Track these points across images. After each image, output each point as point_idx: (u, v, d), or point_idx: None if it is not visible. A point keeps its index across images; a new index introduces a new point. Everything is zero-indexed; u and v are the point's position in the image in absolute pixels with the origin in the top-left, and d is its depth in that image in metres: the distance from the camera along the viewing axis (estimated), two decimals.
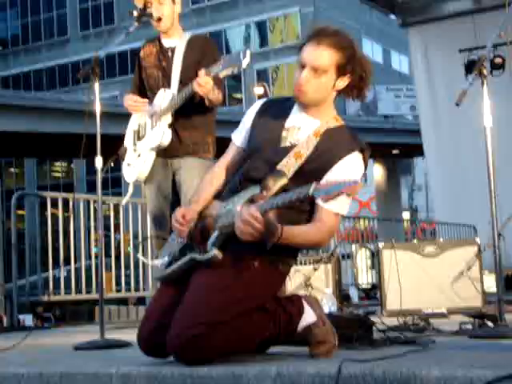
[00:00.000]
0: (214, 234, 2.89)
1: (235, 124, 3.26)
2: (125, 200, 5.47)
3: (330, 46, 2.87)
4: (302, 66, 2.92)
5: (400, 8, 11.19)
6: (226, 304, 2.79)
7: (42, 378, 3.02)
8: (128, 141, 4.73)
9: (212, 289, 2.83)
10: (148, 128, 4.56)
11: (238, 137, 3.18)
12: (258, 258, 2.87)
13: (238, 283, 2.84)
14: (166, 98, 4.47)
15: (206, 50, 4.56)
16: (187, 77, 4.43)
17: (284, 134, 2.98)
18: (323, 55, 2.87)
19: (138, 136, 4.62)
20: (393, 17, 11.90)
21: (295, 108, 3.04)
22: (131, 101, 4.60)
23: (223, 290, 2.81)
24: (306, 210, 2.93)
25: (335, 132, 2.97)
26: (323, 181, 2.71)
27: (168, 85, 4.55)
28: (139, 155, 4.57)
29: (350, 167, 2.88)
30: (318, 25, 2.95)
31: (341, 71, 2.89)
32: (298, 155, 2.90)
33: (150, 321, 3.01)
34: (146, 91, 4.73)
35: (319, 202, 2.82)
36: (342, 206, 2.89)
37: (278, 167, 2.89)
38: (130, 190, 4.83)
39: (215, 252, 2.84)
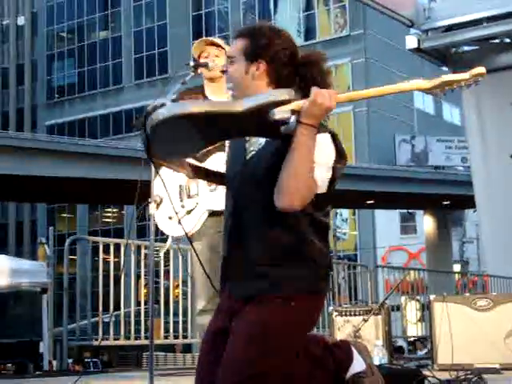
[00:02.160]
0: None
1: None
2: (163, 250, 5.50)
3: (237, 36, 2.87)
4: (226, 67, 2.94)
5: (452, 59, 11.20)
6: (261, 355, 2.65)
7: None
8: (165, 192, 4.67)
9: (245, 340, 2.68)
10: (203, 188, 4.57)
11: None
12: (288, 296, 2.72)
13: (273, 329, 2.69)
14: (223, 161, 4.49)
15: None
16: None
17: (247, 145, 2.89)
18: (233, 45, 2.87)
19: (189, 193, 4.62)
20: (445, 68, 11.90)
21: None
22: None
23: (257, 340, 2.67)
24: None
25: None
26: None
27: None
28: (188, 212, 4.59)
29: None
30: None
31: (249, 57, 2.81)
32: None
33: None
34: None
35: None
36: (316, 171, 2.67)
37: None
38: (169, 242, 4.87)
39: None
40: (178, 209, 4.61)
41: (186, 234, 4.41)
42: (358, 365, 2.91)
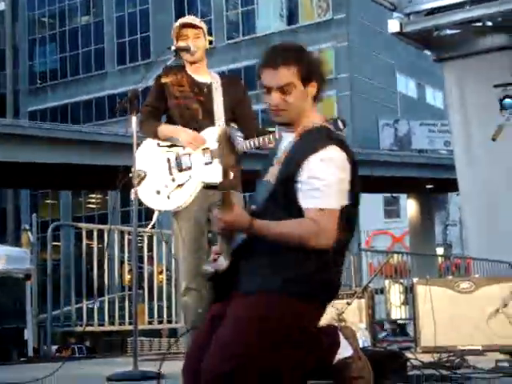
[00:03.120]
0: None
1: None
2: (149, 226, 5.43)
3: (285, 63, 2.89)
4: (268, 91, 2.94)
5: (435, 43, 11.21)
6: (253, 337, 2.71)
7: None
8: (151, 167, 4.64)
9: (240, 322, 2.75)
10: (197, 162, 4.55)
11: None
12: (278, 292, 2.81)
13: (266, 315, 2.76)
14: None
15: (242, 98, 4.74)
16: (227, 118, 4.58)
17: (274, 161, 3.02)
18: (283, 74, 2.89)
19: (180, 167, 4.58)
20: (427, 52, 11.91)
21: (283, 138, 3.07)
22: (191, 138, 4.60)
23: (250, 323, 2.74)
24: None
25: (313, 130, 2.97)
26: (303, 177, 2.80)
27: (210, 121, 4.60)
28: (179, 185, 4.55)
29: (324, 161, 2.84)
30: (270, 47, 2.99)
31: (306, 80, 2.91)
32: (279, 161, 2.94)
33: (191, 363, 2.90)
34: (172, 119, 4.72)
35: (301, 204, 2.82)
36: (324, 199, 2.81)
37: (265, 179, 2.94)
38: (155, 217, 4.82)
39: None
40: (167, 182, 4.59)
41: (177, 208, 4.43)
42: (345, 350, 2.91)
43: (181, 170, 4.55)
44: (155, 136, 4.65)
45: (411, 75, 45.45)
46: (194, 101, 4.64)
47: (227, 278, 2.90)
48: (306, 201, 2.82)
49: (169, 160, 4.61)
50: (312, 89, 2.94)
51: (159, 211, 4.66)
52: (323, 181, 2.81)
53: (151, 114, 4.70)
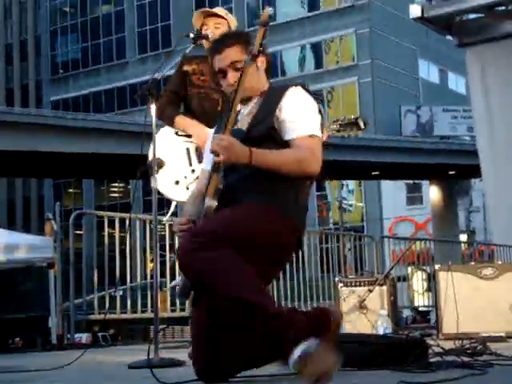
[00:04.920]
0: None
1: None
2: (166, 217, 5.41)
3: (228, 45, 3.09)
4: (223, 74, 3.10)
5: (457, 28, 11.08)
6: (229, 222, 2.80)
7: None
8: (170, 157, 4.61)
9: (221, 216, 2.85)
10: None
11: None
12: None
13: (245, 216, 2.85)
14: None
15: None
16: None
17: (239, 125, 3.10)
18: (229, 53, 3.08)
19: (201, 159, 4.52)
20: (449, 37, 11.79)
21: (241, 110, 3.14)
22: (200, 141, 4.47)
23: (230, 216, 2.85)
24: None
25: (274, 87, 3.15)
26: (282, 120, 2.94)
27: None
28: (197, 178, 4.51)
29: (295, 98, 3.01)
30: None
31: (253, 56, 3.02)
32: (249, 113, 3.06)
33: (200, 358, 2.96)
34: (190, 108, 4.71)
35: (287, 137, 2.95)
36: (308, 126, 2.97)
37: (235, 127, 3.00)
38: (173, 207, 4.80)
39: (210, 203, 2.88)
40: (186, 173, 4.57)
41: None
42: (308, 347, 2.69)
43: (201, 161, 4.52)
44: (172, 124, 4.64)
45: (433, 61, 45.11)
46: (215, 91, 4.60)
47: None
48: (291, 132, 2.96)
49: (188, 151, 4.58)
50: (261, 63, 3.11)
51: (177, 202, 4.64)
52: (304, 111, 3.00)
53: (171, 100, 4.68)
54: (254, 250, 2.80)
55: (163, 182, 4.55)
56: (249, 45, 3.06)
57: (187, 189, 4.51)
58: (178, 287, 3.00)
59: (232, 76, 3.05)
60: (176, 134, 4.63)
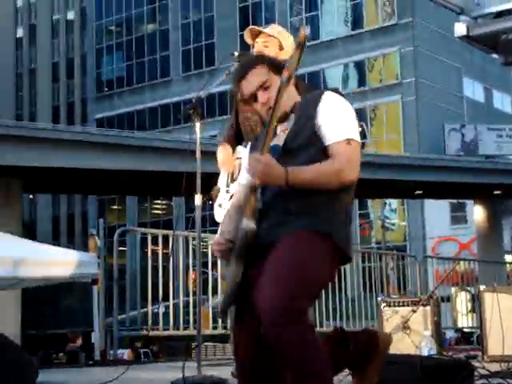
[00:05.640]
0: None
1: None
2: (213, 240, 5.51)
3: (250, 68, 3.03)
4: (254, 97, 3.02)
5: (503, 47, 10.99)
6: (304, 278, 2.71)
7: None
8: (222, 182, 4.74)
9: (288, 263, 2.73)
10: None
11: None
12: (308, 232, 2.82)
13: (308, 257, 2.76)
14: None
15: None
16: None
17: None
18: (254, 75, 3.00)
19: (232, 178, 4.62)
20: (495, 56, 11.69)
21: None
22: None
23: (298, 265, 2.73)
24: None
25: (311, 93, 3.05)
26: (320, 125, 2.86)
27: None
28: (231, 197, 4.58)
29: (331, 102, 2.94)
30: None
31: (276, 71, 2.98)
32: (283, 130, 2.96)
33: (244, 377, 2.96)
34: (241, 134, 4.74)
35: (326, 142, 2.87)
36: (346, 130, 2.89)
37: (272, 144, 2.90)
38: (219, 230, 4.86)
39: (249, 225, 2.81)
40: (225, 195, 4.64)
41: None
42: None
43: (233, 180, 4.59)
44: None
45: (478, 79, 44.71)
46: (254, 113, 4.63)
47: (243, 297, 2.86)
48: (330, 136, 2.88)
49: (229, 174, 4.67)
50: (285, 76, 2.97)
51: None
52: (342, 115, 2.92)
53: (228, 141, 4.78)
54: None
55: (215, 206, 4.70)
56: (273, 63, 3.04)
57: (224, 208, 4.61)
58: (219, 306, 3.00)
59: (262, 95, 3.00)
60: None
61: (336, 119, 2.91)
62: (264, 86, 2.99)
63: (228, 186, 4.67)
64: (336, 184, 2.84)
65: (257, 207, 2.84)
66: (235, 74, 3.14)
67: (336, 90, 3.04)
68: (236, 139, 4.74)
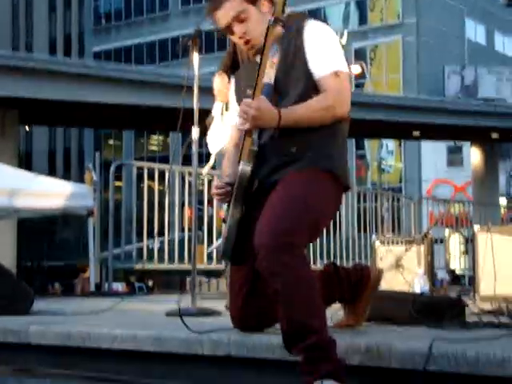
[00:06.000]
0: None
1: None
2: (205, 170, 5.47)
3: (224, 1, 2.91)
4: (230, 30, 2.94)
5: None
6: (300, 212, 2.70)
7: (136, 339, 3.10)
8: (216, 111, 4.75)
9: (286, 201, 2.73)
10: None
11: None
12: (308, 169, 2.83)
13: (307, 193, 2.77)
14: None
15: None
16: None
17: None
18: (229, 6, 2.90)
19: (227, 107, 4.59)
20: None
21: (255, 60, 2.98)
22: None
23: (296, 201, 2.73)
24: None
25: (293, 23, 2.94)
26: (307, 58, 2.82)
27: None
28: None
29: (315, 33, 2.89)
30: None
31: (253, 1, 2.91)
32: (271, 63, 2.85)
33: (236, 311, 3.06)
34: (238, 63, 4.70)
35: (315, 77, 2.83)
36: (333, 62, 2.86)
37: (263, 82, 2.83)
38: (212, 160, 4.87)
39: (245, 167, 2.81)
40: (219, 125, 4.66)
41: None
42: None
43: (227, 109, 4.59)
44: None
45: (481, 21, 44.16)
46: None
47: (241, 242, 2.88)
48: (318, 70, 2.84)
49: (224, 103, 4.67)
50: (264, 6, 2.94)
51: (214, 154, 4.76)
52: (327, 45, 2.88)
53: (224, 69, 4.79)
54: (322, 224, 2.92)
55: (210, 135, 4.68)
56: None
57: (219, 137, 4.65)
58: (218, 250, 3.05)
59: (238, 28, 2.91)
60: None
61: (322, 51, 2.86)
62: (240, 18, 2.90)
63: (222, 114, 4.67)
64: (329, 119, 2.82)
65: (253, 150, 2.82)
66: (208, 4, 3.02)
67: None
68: (233, 68, 4.71)
